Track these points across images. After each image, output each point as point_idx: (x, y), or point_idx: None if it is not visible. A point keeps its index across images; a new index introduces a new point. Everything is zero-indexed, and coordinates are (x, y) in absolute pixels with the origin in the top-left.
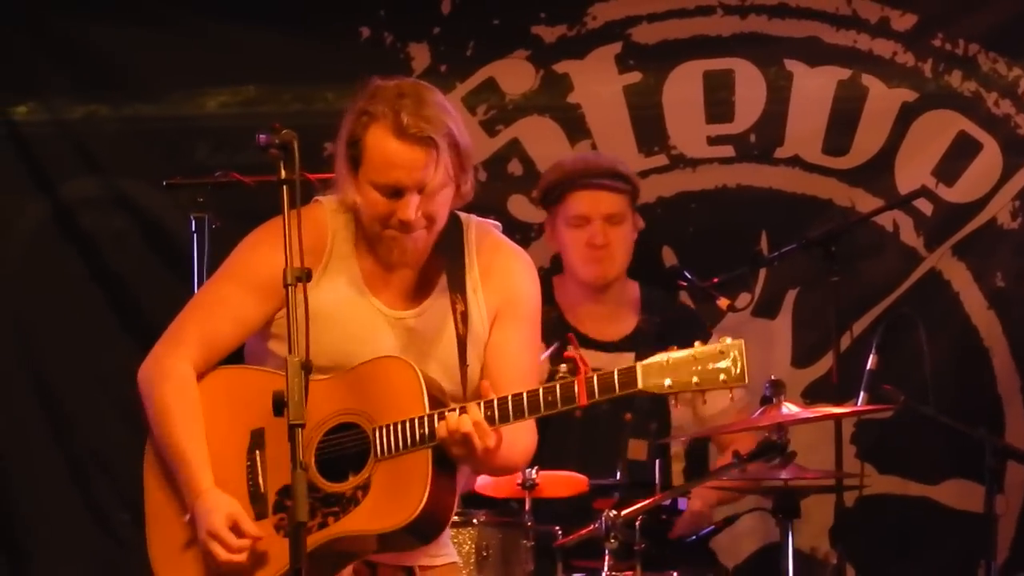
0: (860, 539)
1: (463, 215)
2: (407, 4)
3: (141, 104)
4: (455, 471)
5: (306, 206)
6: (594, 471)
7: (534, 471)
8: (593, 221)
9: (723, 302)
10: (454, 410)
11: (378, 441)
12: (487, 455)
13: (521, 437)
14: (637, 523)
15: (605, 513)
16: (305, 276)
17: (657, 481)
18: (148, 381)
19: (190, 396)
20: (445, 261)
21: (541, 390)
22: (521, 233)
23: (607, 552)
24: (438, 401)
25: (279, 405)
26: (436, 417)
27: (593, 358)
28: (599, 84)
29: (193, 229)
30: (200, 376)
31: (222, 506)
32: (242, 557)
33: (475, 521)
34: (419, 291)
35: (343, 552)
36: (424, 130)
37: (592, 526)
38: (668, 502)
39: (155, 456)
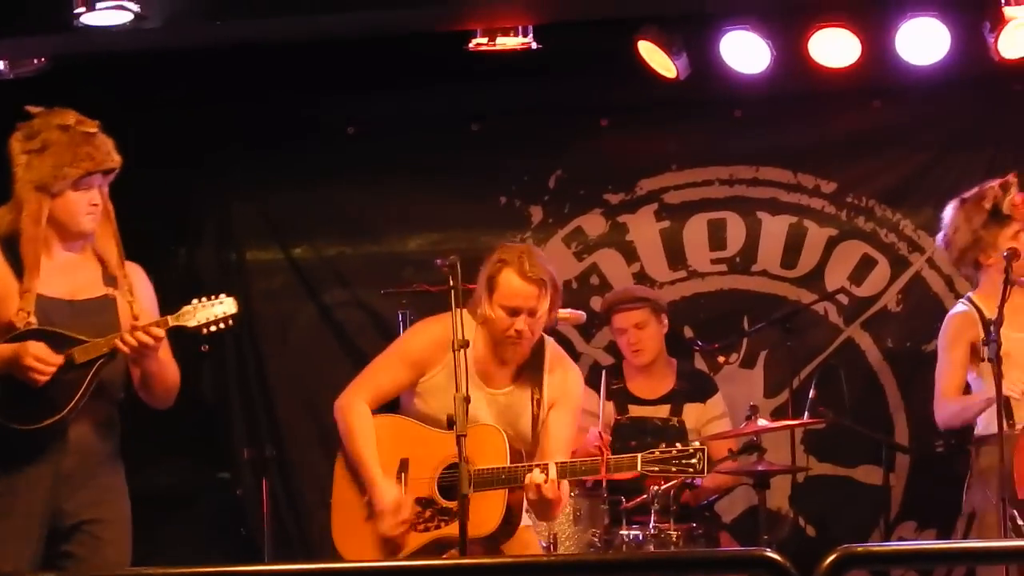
0: (807, 502)
1: (544, 335)
2: (528, 182)
3: (370, 244)
4: (519, 513)
5: (446, 314)
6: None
7: None
8: (628, 330)
9: (722, 359)
10: (535, 467)
11: (475, 478)
12: (549, 507)
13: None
14: (671, 494)
15: (651, 488)
16: (465, 344)
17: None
18: (340, 409)
19: (367, 422)
20: (530, 362)
21: (578, 463)
22: (597, 320)
23: (652, 512)
24: (518, 455)
25: (451, 423)
26: (520, 470)
27: (641, 410)
28: (644, 228)
29: (400, 320)
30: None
31: (389, 493)
32: (400, 528)
33: (572, 493)
34: (512, 379)
35: (447, 544)
36: (538, 274)
37: (643, 496)
38: (689, 481)
39: (343, 461)
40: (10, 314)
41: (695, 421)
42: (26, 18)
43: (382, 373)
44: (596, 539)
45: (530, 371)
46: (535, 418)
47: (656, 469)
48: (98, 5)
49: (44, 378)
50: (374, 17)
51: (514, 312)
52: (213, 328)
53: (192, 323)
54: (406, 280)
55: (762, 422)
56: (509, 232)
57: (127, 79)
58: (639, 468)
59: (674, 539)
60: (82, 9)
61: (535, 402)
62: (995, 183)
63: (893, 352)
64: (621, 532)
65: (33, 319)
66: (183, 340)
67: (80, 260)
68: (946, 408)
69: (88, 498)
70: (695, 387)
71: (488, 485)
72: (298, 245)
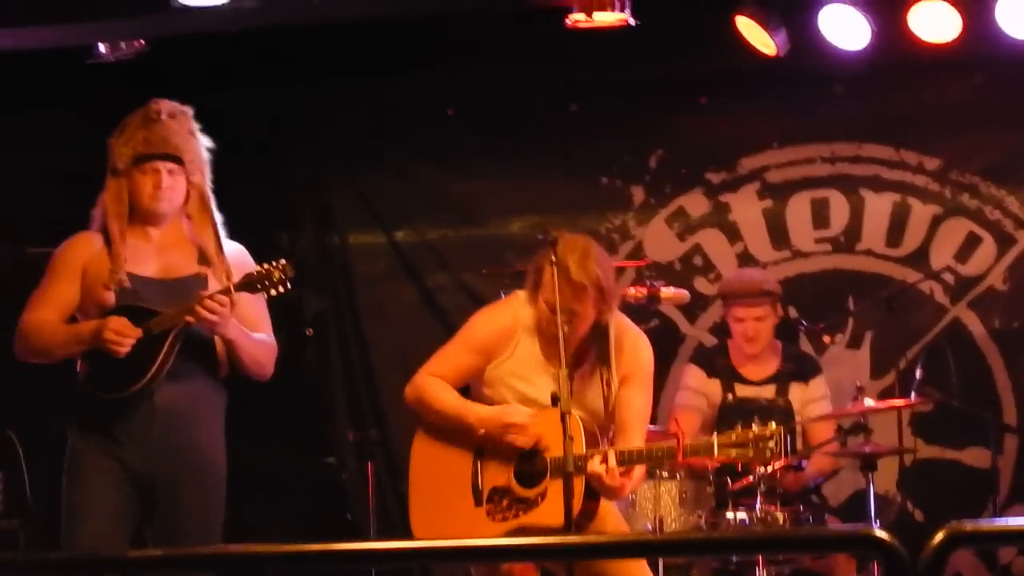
0: (915, 485)
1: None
2: (629, 161)
3: (473, 227)
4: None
5: (508, 296)
6: None
7: None
8: (746, 321)
9: (827, 339)
10: (595, 456)
11: (552, 466)
12: (613, 492)
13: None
14: (777, 476)
15: (757, 470)
16: (569, 319)
17: (789, 449)
18: (412, 389)
19: (444, 386)
20: (597, 342)
21: (654, 448)
22: (702, 301)
23: (759, 494)
24: (593, 439)
25: (555, 400)
26: (587, 457)
27: (748, 390)
28: (747, 208)
29: (503, 298)
30: None
31: (497, 411)
32: (519, 435)
33: (678, 476)
34: (579, 360)
35: (526, 533)
36: (582, 278)
37: (749, 478)
38: (795, 463)
39: (421, 442)
40: (104, 289)
41: (798, 402)
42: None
43: (449, 359)
44: (702, 521)
45: (596, 350)
46: (606, 399)
47: (733, 453)
48: None
49: (123, 350)
50: None
51: (561, 311)
52: (273, 292)
53: (254, 290)
54: (508, 263)
55: (868, 402)
56: (610, 212)
57: (224, 62)
58: (715, 453)
59: (780, 522)
60: None
61: (605, 383)
62: None
63: (1000, 332)
64: (727, 515)
65: (124, 278)
66: (286, 325)
67: (173, 241)
68: None
69: (177, 465)
70: (800, 368)
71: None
72: (400, 228)
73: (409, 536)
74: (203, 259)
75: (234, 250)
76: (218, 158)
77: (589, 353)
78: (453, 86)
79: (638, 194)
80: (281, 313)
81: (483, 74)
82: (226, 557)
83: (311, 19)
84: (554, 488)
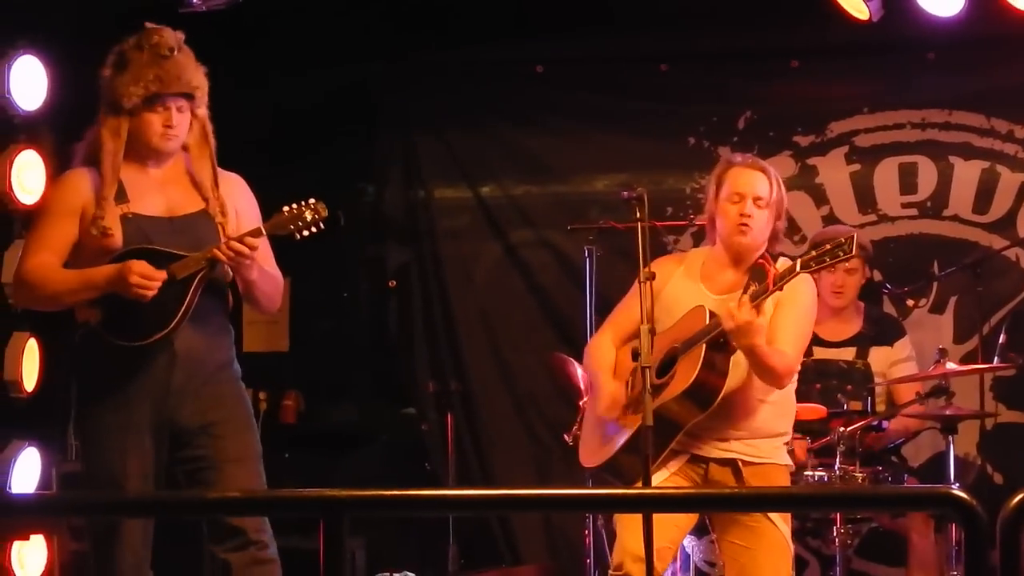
0: (995, 449)
1: (781, 258)
2: (717, 123)
3: (557, 184)
4: (724, 363)
5: (672, 255)
6: (829, 406)
7: None
8: (837, 272)
9: (911, 303)
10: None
11: (681, 346)
12: (747, 331)
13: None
14: (857, 436)
15: (837, 429)
16: (651, 276)
17: (869, 410)
18: (588, 349)
19: (600, 350)
20: (757, 275)
21: (755, 286)
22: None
23: (838, 453)
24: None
25: (635, 355)
26: (714, 320)
27: (826, 352)
28: (834, 171)
29: (586, 256)
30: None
31: (608, 386)
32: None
33: None
34: (732, 288)
35: (668, 421)
36: (761, 164)
37: (829, 437)
38: (876, 423)
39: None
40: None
41: (881, 364)
42: None
43: (619, 312)
44: None
45: (756, 282)
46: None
47: (812, 265)
48: None
49: (150, 294)
50: None
51: (740, 198)
52: (306, 232)
53: (285, 230)
54: (592, 220)
55: (951, 366)
56: (697, 172)
57: (316, 18)
58: (798, 268)
59: (860, 481)
60: None
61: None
62: None
63: None
64: (806, 473)
65: (110, 225)
66: (371, 276)
67: (174, 177)
68: None
69: (201, 406)
70: (882, 331)
71: (691, 345)
72: (485, 184)
73: (486, 486)
74: (204, 195)
75: (232, 179)
76: (306, 110)
77: (750, 284)
78: (543, 45)
79: (725, 155)
80: (365, 265)
81: (574, 34)
82: (305, 500)
83: None
84: (681, 365)
